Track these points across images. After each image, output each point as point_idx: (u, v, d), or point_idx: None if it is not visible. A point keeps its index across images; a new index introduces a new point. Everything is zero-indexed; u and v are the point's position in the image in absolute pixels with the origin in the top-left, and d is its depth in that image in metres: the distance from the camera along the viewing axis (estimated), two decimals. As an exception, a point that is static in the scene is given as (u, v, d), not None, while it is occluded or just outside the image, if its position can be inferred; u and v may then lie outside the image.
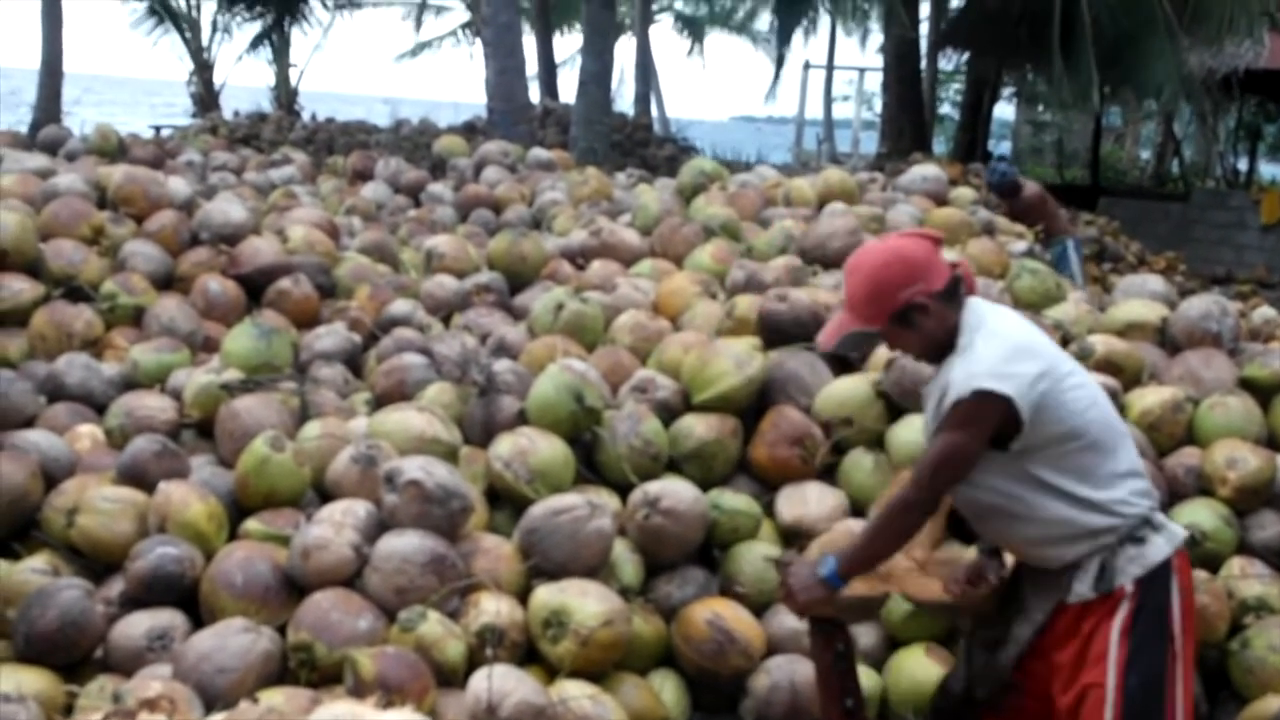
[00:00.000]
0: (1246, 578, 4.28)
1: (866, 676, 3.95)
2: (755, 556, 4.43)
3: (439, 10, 27.96)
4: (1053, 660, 3.08)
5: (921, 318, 2.98)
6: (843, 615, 3.28)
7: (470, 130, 13.73)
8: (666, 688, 4.18)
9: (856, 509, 4.59)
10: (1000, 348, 2.96)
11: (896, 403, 4.78)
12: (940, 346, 3.04)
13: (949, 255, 6.19)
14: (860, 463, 4.72)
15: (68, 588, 3.74)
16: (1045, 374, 2.95)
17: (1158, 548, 3.00)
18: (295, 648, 3.64)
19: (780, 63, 23.34)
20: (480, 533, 4.24)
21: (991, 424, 2.92)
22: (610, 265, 6.34)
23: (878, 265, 3.01)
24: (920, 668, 4.10)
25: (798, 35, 21.03)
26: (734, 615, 4.20)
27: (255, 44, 21.10)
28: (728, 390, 4.78)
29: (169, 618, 3.79)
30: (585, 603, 3.88)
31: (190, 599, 3.86)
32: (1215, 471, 4.55)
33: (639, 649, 4.14)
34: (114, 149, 8.48)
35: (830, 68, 25.36)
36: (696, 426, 4.74)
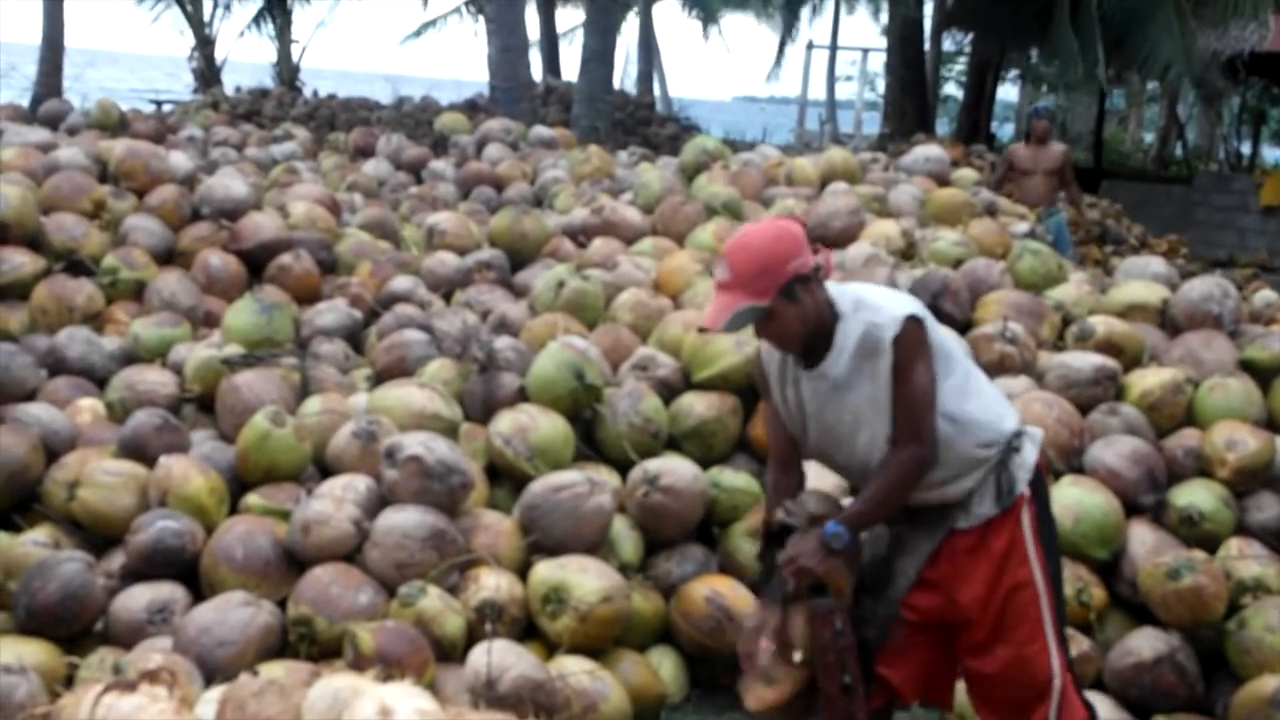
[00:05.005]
0: (1244, 559, 4.28)
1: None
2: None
3: (443, -14, 27.81)
4: (956, 590, 3.13)
5: (804, 292, 3.03)
6: (836, 579, 3.20)
7: (472, 108, 13.69)
8: (665, 664, 4.20)
9: (854, 488, 4.57)
10: (886, 291, 3.21)
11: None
12: (815, 326, 3.05)
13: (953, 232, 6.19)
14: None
15: (68, 560, 3.76)
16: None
17: (1030, 450, 3.16)
18: (295, 621, 3.66)
19: (784, 44, 23.31)
20: (480, 509, 4.25)
21: (929, 349, 3.01)
22: (612, 243, 6.33)
23: (767, 240, 3.05)
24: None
25: (802, 14, 21.00)
26: (733, 593, 4.21)
27: (257, 19, 21.02)
28: (728, 369, 4.79)
29: (169, 591, 3.81)
30: (585, 579, 3.90)
31: (191, 572, 3.88)
32: (1214, 453, 4.55)
33: (638, 626, 4.16)
34: (115, 123, 8.46)
35: (834, 48, 25.31)
36: (697, 405, 4.75)
